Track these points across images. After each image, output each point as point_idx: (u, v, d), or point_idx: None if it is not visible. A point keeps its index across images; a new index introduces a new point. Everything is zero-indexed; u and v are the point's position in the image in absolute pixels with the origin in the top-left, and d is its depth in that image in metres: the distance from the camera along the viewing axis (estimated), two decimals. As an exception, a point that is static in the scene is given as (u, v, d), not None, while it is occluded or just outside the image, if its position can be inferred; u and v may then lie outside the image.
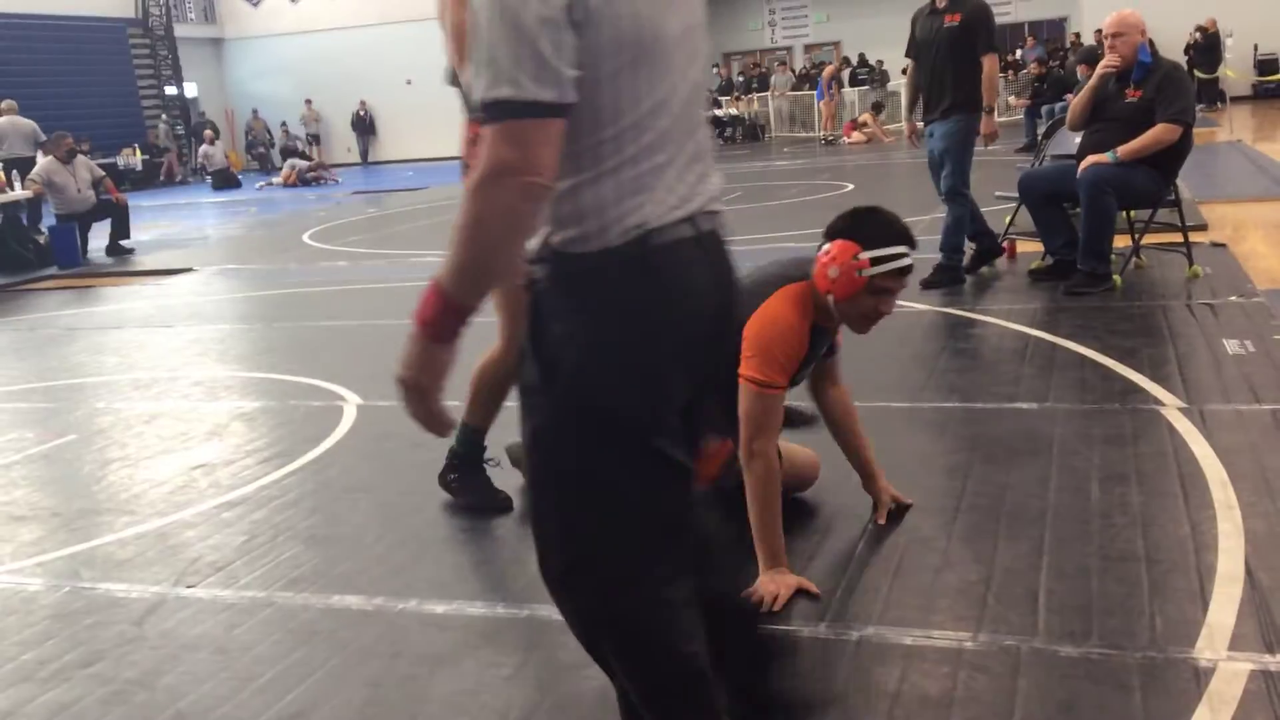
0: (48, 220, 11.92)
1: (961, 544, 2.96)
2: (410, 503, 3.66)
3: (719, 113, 24.10)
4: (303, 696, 2.47)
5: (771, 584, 2.73)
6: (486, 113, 1.50)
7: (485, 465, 3.57)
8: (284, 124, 26.95)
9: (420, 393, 1.60)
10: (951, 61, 6.17)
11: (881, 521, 3.13)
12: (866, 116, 20.05)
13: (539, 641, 2.63)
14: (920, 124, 6.63)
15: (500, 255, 1.54)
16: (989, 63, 6.20)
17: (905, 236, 2.74)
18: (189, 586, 3.11)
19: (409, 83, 25.13)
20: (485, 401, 3.47)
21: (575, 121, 1.55)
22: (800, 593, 2.73)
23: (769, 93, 24.75)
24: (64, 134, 11.96)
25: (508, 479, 3.53)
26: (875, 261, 2.69)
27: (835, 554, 3.00)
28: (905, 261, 2.73)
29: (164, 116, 26.22)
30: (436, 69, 3.33)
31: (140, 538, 3.54)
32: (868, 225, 2.76)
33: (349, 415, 4.74)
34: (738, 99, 24.84)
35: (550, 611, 2.73)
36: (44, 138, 13.16)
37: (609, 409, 1.64)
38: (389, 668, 2.57)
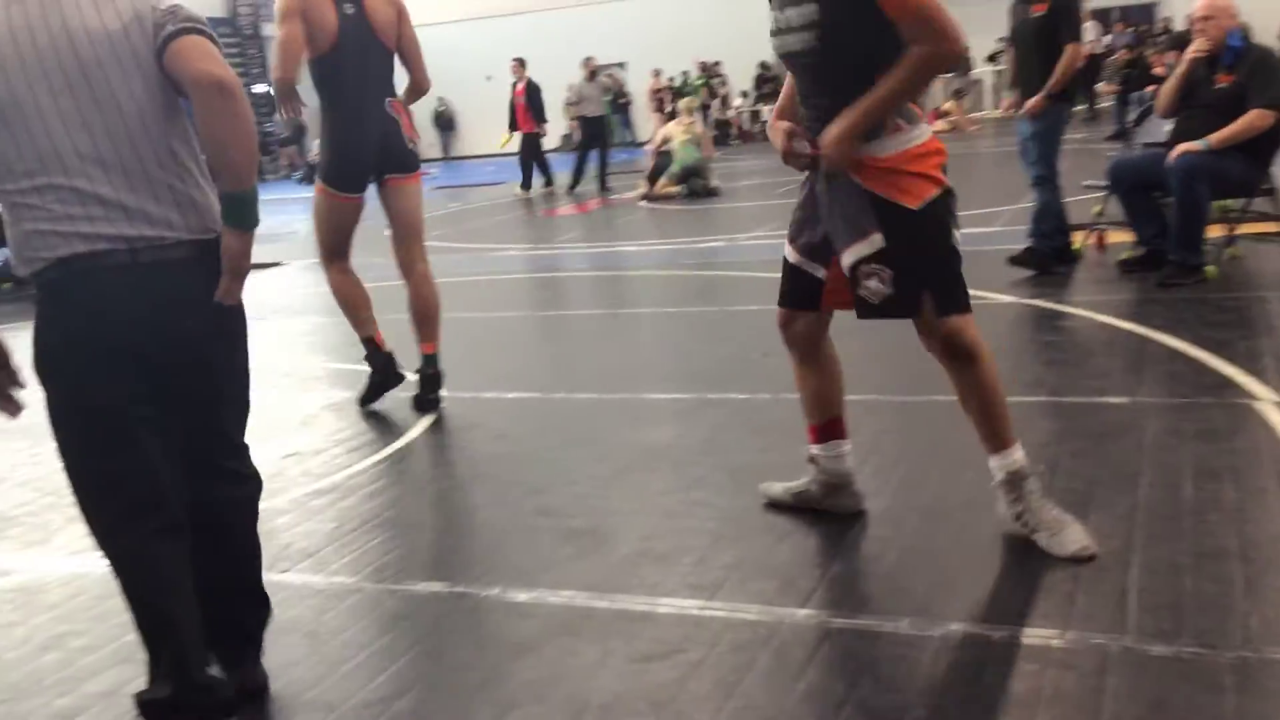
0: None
1: (1048, 539, 2.91)
2: (492, 492, 3.71)
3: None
4: (389, 681, 2.53)
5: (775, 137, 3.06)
6: None
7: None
8: (367, 121, 27.46)
9: None
10: (1037, 50, 6.11)
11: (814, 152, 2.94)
12: (950, 104, 19.76)
13: (620, 631, 2.65)
14: (1012, 101, 6.57)
15: None
16: (1070, 51, 6.08)
17: None
18: (282, 571, 3.19)
19: (489, 79, 25.33)
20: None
21: None
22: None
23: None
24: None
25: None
26: None
27: (920, 550, 2.97)
28: None
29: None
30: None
31: (233, 525, 3.63)
32: None
33: (433, 407, 4.81)
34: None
35: (632, 602, 2.77)
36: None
37: (64, 395, 2.25)
38: (472, 654, 2.62)
